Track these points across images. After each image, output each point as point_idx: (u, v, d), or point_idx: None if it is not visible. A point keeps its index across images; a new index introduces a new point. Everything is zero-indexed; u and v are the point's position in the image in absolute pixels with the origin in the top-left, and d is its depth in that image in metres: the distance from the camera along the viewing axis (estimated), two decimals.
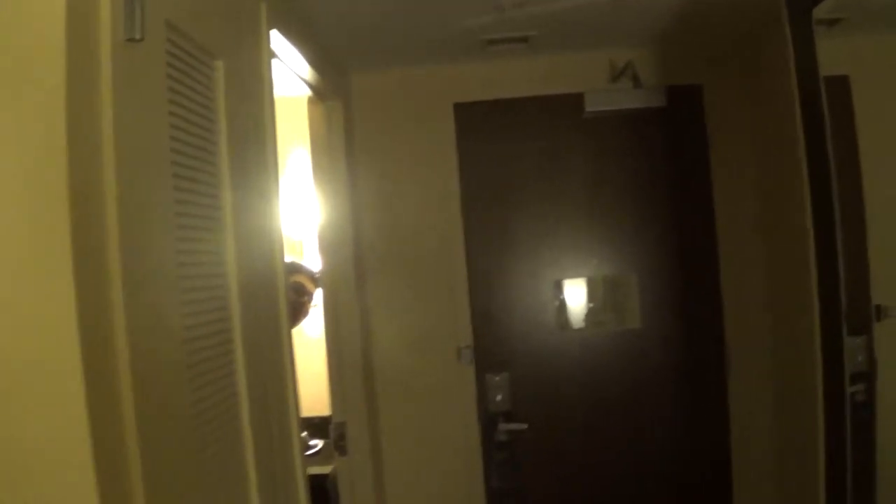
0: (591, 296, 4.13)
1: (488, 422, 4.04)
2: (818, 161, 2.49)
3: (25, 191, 1.24)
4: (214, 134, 1.86)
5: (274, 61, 2.50)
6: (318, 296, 4.32)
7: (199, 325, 1.69)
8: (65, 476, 1.24)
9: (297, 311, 4.27)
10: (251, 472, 1.95)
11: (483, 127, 4.08)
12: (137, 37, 1.41)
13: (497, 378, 4.02)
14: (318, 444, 4.11)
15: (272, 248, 2.28)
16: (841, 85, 2.50)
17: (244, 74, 2.14)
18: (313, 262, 4.39)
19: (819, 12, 2.43)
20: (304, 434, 3.69)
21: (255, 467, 1.96)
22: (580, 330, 4.11)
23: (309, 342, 4.46)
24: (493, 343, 4.06)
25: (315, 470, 3.90)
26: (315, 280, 4.39)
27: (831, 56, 2.50)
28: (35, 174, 1.23)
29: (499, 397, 4.02)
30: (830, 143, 2.43)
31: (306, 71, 3.10)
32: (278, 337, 2.30)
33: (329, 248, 3.67)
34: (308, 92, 3.46)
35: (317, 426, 4.22)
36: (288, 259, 2.77)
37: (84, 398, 1.22)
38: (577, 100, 3.98)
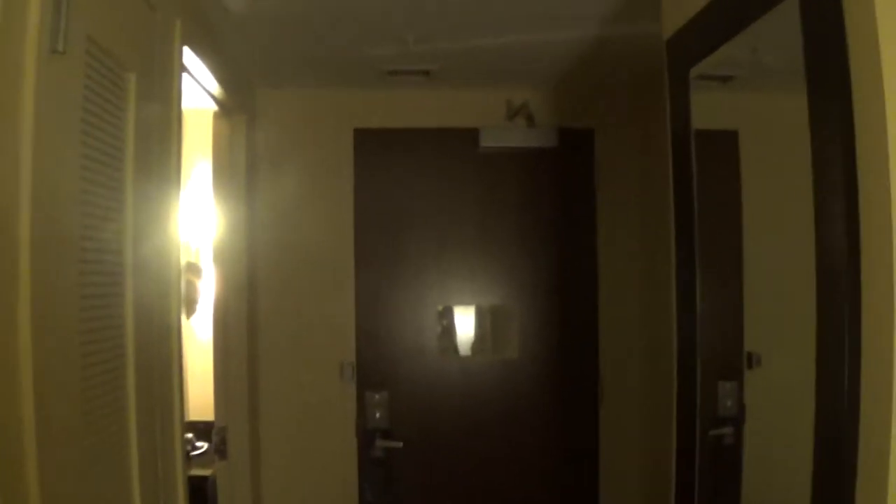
0: (474, 324, 4.28)
1: (366, 437, 4.14)
2: (684, 210, 2.64)
3: None
4: (121, 140, 1.96)
5: (184, 75, 2.61)
6: (200, 286, 4.44)
7: (96, 318, 1.80)
8: None
9: (189, 305, 4.41)
10: (134, 466, 2.03)
11: (381, 153, 4.20)
12: (60, 49, 1.53)
13: (377, 396, 4.13)
14: (204, 446, 4.17)
15: (168, 248, 2.36)
16: (731, 139, 2.65)
17: (155, 87, 2.24)
18: (209, 268, 4.48)
19: (702, 69, 2.57)
20: (191, 436, 3.76)
21: (137, 462, 2.04)
22: (461, 356, 4.25)
23: (200, 345, 4.52)
24: (376, 362, 4.17)
25: (197, 472, 3.96)
26: (198, 273, 4.50)
27: (723, 112, 2.65)
28: None
29: (377, 415, 4.13)
30: (696, 196, 2.57)
31: (214, 87, 3.19)
32: (168, 337, 2.37)
33: (223, 258, 3.74)
34: (214, 106, 3.55)
35: (201, 431, 4.28)
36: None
37: None
38: (472, 134, 4.13)
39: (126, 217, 1.99)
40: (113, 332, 1.93)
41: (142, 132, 2.08)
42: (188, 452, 3.55)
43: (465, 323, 4.25)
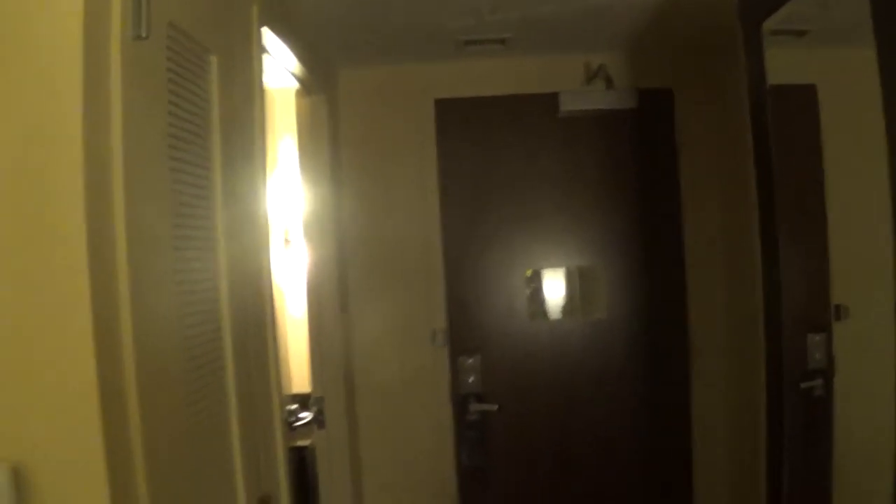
0: (562, 286, 4.31)
1: (460, 402, 4.21)
2: (764, 167, 2.64)
3: (42, 177, 1.43)
4: (208, 122, 2.04)
5: (265, 56, 2.68)
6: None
7: (193, 303, 1.89)
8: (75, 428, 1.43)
9: None
10: (234, 437, 2.13)
11: (463, 122, 4.24)
12: (143, 35, 1.60)
13: (470, 360, 4.19)
14: (307, 416, 4.26)
15: (259, 226, 2.45)
16: (810, 93, 2.63)
17: (236, 69, 2.31)
18: (299, 245, 4.57)
19: (774, 24, 2.56)
20: (295, 406, 3.85)
21: (238, 433, 2.13)
22: (550, 318, 4.29)
23: (297, 322, 4.61)
24: (467, 327, 4.22)
25: (302, 442, 4.05)
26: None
27: (800, 66, 2.63)
28: (52, 158, 1.42)
29: (471, 379, 4.19)
30: (774, 151, 2.56)
31: (295, 66, 3.26)
32: (263, 312, 2.45)
33: (313, 234, 3.83)
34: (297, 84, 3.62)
35: (302, 402, 4.37)
36: None
37: (94, 359, 1.42)
38: (552, 99, 4.13)
39: (215, 195, 2.06)
40: (209, 306, 2.01)
41: (226, 113, 2.15)
42: (292, 423, 3.65)
43: (552, 286, 4.28)
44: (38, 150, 1.43)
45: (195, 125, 1.95)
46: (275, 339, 2.57)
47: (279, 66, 3.15)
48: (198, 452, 1.86)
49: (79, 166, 1.41)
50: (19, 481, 1.42)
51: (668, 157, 4.22)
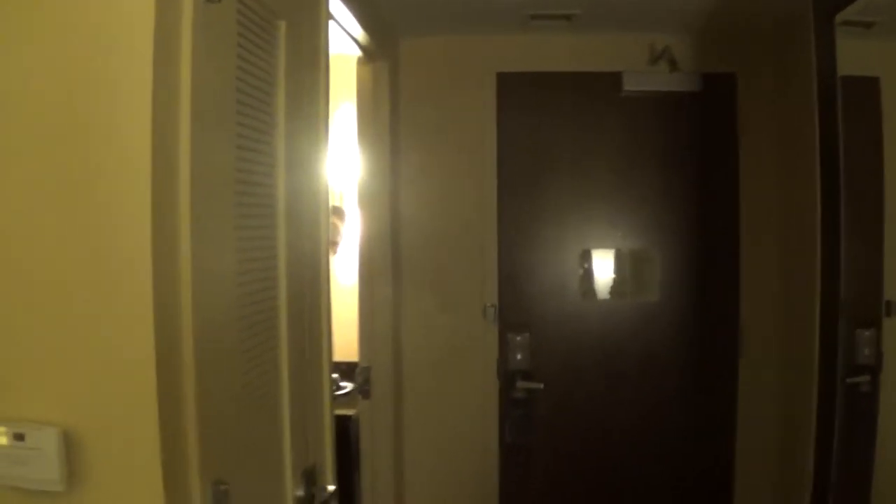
0: (614, 267, 4.27)
1: (507, 379, 4.19)
2: (829, 158, 2.59)
3: (109, 138, 1.42)
4: (274, 88, 2.02)
5: (330, 22, 2.65)
6: (343, 230, 4.53)
7: (252, 270, 1.87)
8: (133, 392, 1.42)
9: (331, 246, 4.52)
10: (285, 405, 2.11)
11: (523, 97, 4.20)
12: None
13: (518, 338, 4.16)
14: (347, 386, 4.27)
15: (318, 195, 2.43)
16: (872, 86, 2.57)
17: (303, 34, 2.28)
18: (351, 211, 4.57)
19: (846, 15, 2.50)
20: (336, 376, 3.86)
21: (288, 400, 2.12)
22: (601, 298, 4.25)
23: (342, 289, 4.61)
24: (518, 304, 4.20)
25: (340, 411, 4.06)
26: (339, 212, 4.59)
27: (864, 58, 2.57)
28: (122, 118, 1.41)
29: (519, 356, 4.16)
30: (842, 143, 2.51)
31: (358, 32, 3.24)
32: (318, 281, 2.44)
33: (368, 202, 3.82)
34: (358, 52, 3.59)
35: (343, 371, 4.38)
36: None
37: (151, 319, 1.40)
38: (615, 78, 4.09)
39: (277, 161, 2.04)
40: (267, 273, 1.99)
41: (291, 80, 2.13)
42: (333, 392, 3.65)
43: (605, 266, 4.24)
44: (107, 111, 1.41)
45: (261, 91, 1.93)
46: (329, 307, 2.55)
47: (341, 32, 3.12)
48: (249, 419, 1.85)
49: (147, 128, 1.39)
50: (69, 446, 1.42)
51: (729, 142, 4.15)
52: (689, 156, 4.20)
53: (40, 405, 1.44)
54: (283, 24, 2.06)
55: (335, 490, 2.43)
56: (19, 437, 1.41)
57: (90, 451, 1.43)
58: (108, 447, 1.44)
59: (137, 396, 1.41)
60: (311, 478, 2.29)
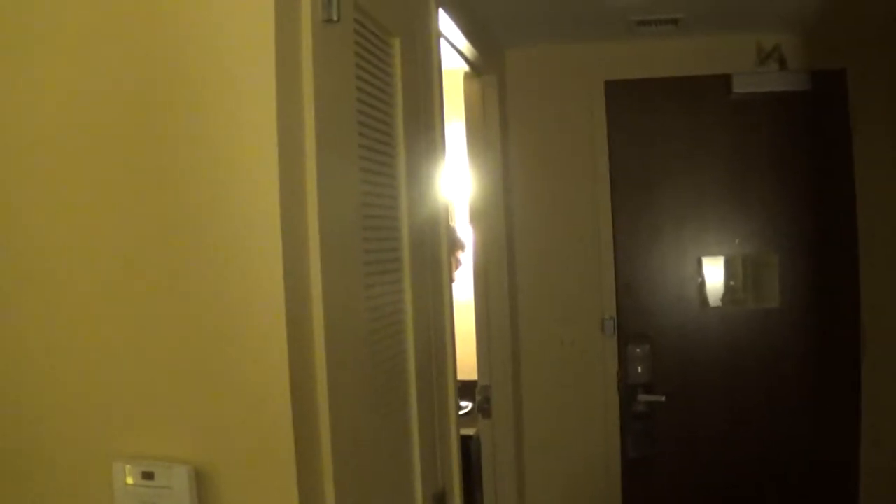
0: (732, 274, 4.16)
1: (628, 392, 4.10)
2: None
3: (239, 161, 1.38)
4: (392, 107, 1.98)
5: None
6: (461, 257, 4.48)
7: (377, 276, 1.83)
8: (267, 412, 1.38)
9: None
10: (414, 427, 2.07)
11: (633, 104, 4.14)
12: (334, 18, 1.54)
13: (638, 350, 4.07)
14: (468, 405, 4.23)
15: (437, 214, 2.39)
16: None
17: (417, 51, 2.25)
18: (461, 228, 4.53)
19: None
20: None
21: (418, 423, 2.07)
22: (720, 307, 4.14)
23: (457, 306, 4.57)
24: (636, 315, 4.12)
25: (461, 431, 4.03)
26: (458, 243, 4.55)
27: None
28: (250, 142, 1.37)
29: (639, 369, 4.07)
30: None
31: (465, 46, 3.21)
32: (441, 300, 2.40)
33: (481, 218, 3.77)
34: (462, 66, 3.56)
35: (461, 390, 4.33)
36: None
37: (286, 348, 1.36)
38: (723, 81, 4.01)
39: (400, 181, 2.01)
40: (393, 295, 1.96)
41: (409, 97, 2.09)
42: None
43: (723, 272, 4.14)
44: (232, 140, 1.38)
45: (380, 111, 1.89)
46: (453, 324, 2.51)
47: (448, 46, 3.09)
48: (380, 445, 1.81)
49: (273, 156, 1.36)
50: (201, 484, 1.39)
51: (842, 141, 4.02)
52: (803, 156, 4.09)
53: (170, 441, 1.41)
54: (397, 42, 2.03)
55: None
56: (148, 475, 1.38)
57: (223, 488, 1.40)
58: (242, 484, 1.40)
59: (272, 429, 1.37)
60: (440, 503, 2.24)
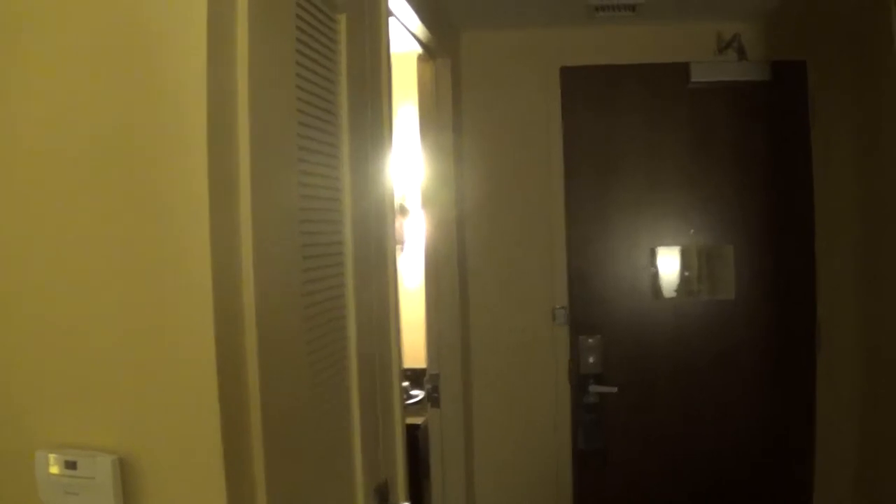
0: (686, 265, 4.12)
1: (579, 383, 4.06)
2: None
3: (169, 125, 1.31)
4: (336, 84, 1.92)
5: (391, 18, 2.55)
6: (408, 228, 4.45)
7: (316, 265, 1.77)
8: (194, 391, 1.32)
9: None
10: (356, 416, 2.01)
11: (588, 92, 4.09)
12: None
13: (590, 340, 4.03)
14: (418, 394, 4.18)
15: (384, 195, 2.33)
16: None
17: (364, 29, 2.19)
18: (415, 212, 4.48)
19: None
20: (407, 384, 3.77)
21: (359, 413, 2.02)
22: (673, 298, 4.11)
23: (405, 293, 4.53)
24: (588, 305, 4.08)
25: (409, 420, 3.98)
26: (404, 213, 4.52)
27: None
28: (177, 112, 1.31)
29: (591, 359, 4.04)
30: None
31: (418, 28, 3.14)
32: (385, 282, 2.35)
33: (432, 203, 3.72)
34: (416, 49, 3.50)
35: (410, 378, 4.29)
36: None
37: (213, 332, 1.30)
38: (682, 69, 3.97)
39: (342, 161, 1.94)
40: (335, 280, 1.90)
41: (354, 77, 2.03)
42: (404, 401, 3.57)
43: (677, 263, 4.10)
44: (162, 107, 1.32)
45: (323, 88, 1.83)
46: (397, 310, 2.46)
47: (401, 28, 3.02)
48: (317, 436, 1.75)
49: (202, 124, 1.29)
50: (125, 473, 1.33)
51: (801, 132, 4.00)
52: (761, 147, 4.06)
53: (93, 430, 1.35)
54: (343, 18, 1.96)
55: None
56: (71, 465, 1.32)
57: (148, 478, 1.34)
58: (167, 473, 1.34)
59: (198, 417, 1.32)
60: (383, 495, 2.20)
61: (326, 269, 1.83)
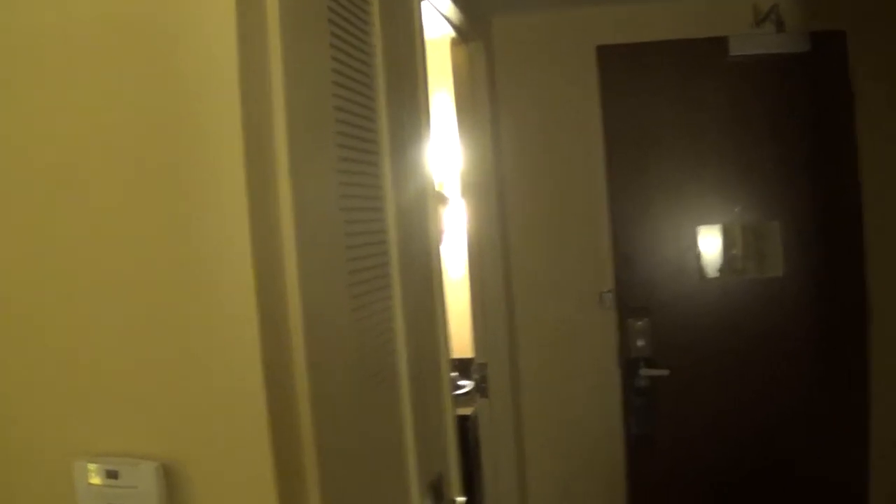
0: (732, 242, 4.04)
1: (629, 367, 4.00)
2: None
3: (202, 121, 1.26)
4: (371, 69, 1.85)
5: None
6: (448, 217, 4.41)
7: (361, 258, 1.71)
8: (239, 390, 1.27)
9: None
10: (406, 410, 1.96)
11: (626, 70, 4.01)
12: None
13: (639, 323, 3.96)
14: (466, 385, 4.12)
15: (425, 184, 2.28)
16: None
17: (397, 12, 2.13)
18: (454, 201, 4.43)
19: None
20: (455, 374, 3.73)
21: (410, 406, 1.96)
22: (720, 277, 4.03)
23: (451, 283, 4.49)
24: (635, 288, 4.01)
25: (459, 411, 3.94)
26: (443, 200, 4.46)
27: None
28: (209, 105, 1.25)
29: (640, 342, 3.97)
30: None
31: (450, 9, 3.08)
32: (430, 274, 2.30)
33: (472, 190, 3.67)
34: (448, 34, 3.44)
35: (457, 368, 4.24)
36: None
37: (258, 333, 1.25)
38: (719, 44, 3.90)
39: (382, 150, 1.88)
40: (379, 270, 1.84)
41: (389, 59, 1.97)
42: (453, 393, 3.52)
43: (723, 241, 4.02)
44: (194, 105, 1.26)
45: (359, 72, 1.76)
46: (443, 300, 2.40)
47: (432, 11, 2.96)
48: (369, 433, 1.70)
49: (236, 121, 1.23)
50: (169, 481, 1.28)
51: (843, 104, 3.90)
52: (803, 120, 3.96)
53: (134, 437, 1.30)
54: (375, 1, 1.90)
55: (465, 501, 2.27)
56: (112, 474, 1.27)
57: (194, 485, 1.29)
58: (214, 479, 1.29)
59: (246, 419, 1.26)
60: (437, 490, 2.14)
61: (371, 260, 1.77)
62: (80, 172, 1.30)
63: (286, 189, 1.35)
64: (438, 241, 2.39)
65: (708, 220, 4.01)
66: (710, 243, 4.01)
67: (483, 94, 3.69)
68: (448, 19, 3.16)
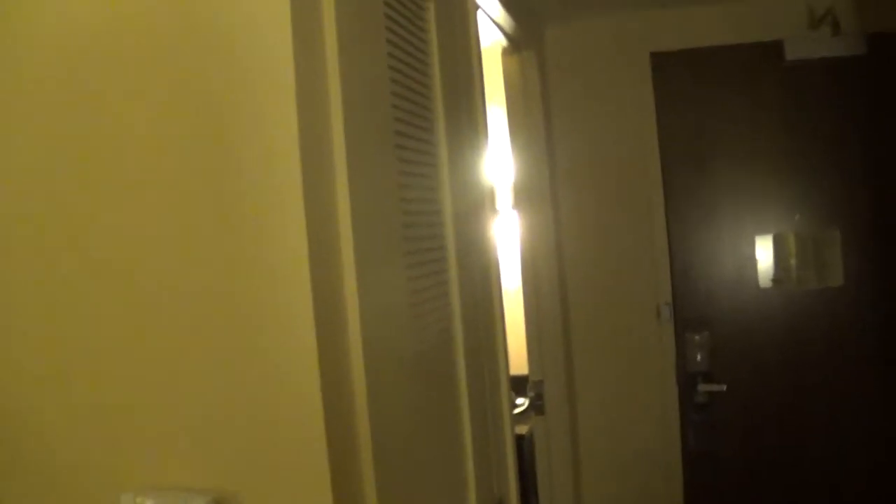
0: (791, 252, 3.93)
1: (687, 382, 3.89)
2: None
3: (257, 131, 1.21)
4: (429, 77, 1.79)
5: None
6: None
7: (420, 267, 1.65)
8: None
9: None
10: (467, 433, 1.89)
11: (681, 76, 3.92)
12: None
13: (697, 337, 3.85)
14: (522, 402, 4.03)
15: (483, 194, 2.21)
16: None
17: (453, 19, 2.07)
18: (507, 212, 4.36)
19: None
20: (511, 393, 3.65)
21: (470, 429, 1.89)
22: (781, 287, 3.91)
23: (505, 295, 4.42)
24: (693, 300, 3.91)
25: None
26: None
27: None
28: (265, 110, 1.20)
29: (698, 356, 3.86)
30: None
31: (502, 16, 3.02)
32: (489, 288, 2.22)
33: (526, 202, 3.59)
34: (498, 42, 3.37)
35: (511, 385, 4.16)
36: None
37: (315, 345, 1.19)
38: (774, 48, 3.80)
39: (441, 161, 1.82)
40: (438, 280, 1.78)
41: (446, 66, 1.90)
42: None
43: (783, 251, 3.91)
44: (250, 111, 1.21)
45: (416, 80, 1.70)
46: (502, 317, 2.32)
47: (485, 19, 2.89)
48: (431, 467, 1.63)
49: (293, 131, 1.18)
50: None
51: None
52: (862, 124, 3.85)
53: (185, 469, 1.25)
54: (431, 6, 1.83)
55: None
56: None
57: None
58: None
59: (303, 451, 1.21)
60: None
61: (429, 268, 1.71)
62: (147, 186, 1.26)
63: (344, 199, 1.30)
64: (497, 253, 2.30)
65: (766, 229, 3.90)
66: (768, 252, 3.90)
67: (536, 104, 3.63)
68: (501, 28, 3.09)
